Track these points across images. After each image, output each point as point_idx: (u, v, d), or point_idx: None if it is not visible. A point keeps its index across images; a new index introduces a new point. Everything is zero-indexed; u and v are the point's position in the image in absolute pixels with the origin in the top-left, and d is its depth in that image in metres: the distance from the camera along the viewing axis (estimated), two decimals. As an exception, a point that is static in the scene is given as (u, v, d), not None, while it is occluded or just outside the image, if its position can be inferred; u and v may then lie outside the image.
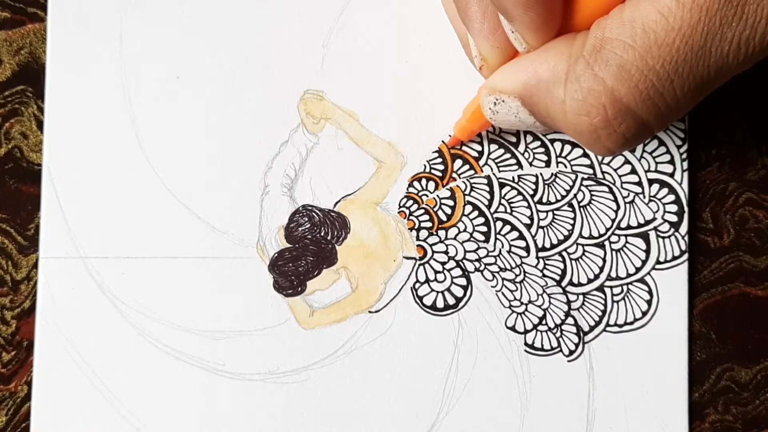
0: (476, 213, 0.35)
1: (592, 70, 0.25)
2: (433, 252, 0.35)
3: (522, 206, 0.35)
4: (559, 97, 0.26)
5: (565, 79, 0.26)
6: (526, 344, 0.35)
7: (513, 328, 0.35)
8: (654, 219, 0.35)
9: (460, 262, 0.35)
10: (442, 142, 0.35)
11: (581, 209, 0.35)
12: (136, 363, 0.34)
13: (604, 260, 0.35)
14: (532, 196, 0.35)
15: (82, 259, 0.34)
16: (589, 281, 0.35)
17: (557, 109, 0.27)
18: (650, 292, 0.35)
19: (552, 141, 0.35)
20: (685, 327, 0.34)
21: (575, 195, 0.35)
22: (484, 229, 0.35)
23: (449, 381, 0.34)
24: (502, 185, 0.35)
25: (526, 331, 0.35)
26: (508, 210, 0.35)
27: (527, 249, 0.35)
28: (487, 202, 0.35)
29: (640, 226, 0.35)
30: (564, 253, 0.35)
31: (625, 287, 0.35)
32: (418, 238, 0.35)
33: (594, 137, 0.27)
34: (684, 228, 0.35)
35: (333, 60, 0.35)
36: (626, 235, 0.35)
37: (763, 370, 0.35)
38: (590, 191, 0.35)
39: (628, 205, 0.35)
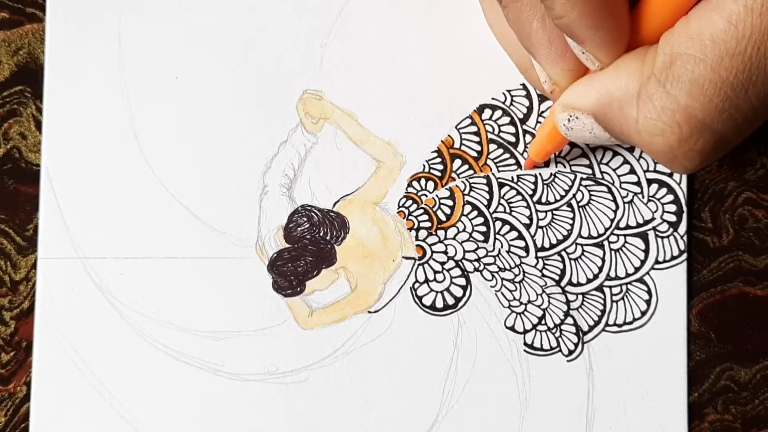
0: (475, 213, 0.35)
1: (664, 88, 0.25)
2: (433, 252, 0.35)
3: (521, 206, 0.35)
4: (632, 116, 0.26)
5: (638, 98, 0.26)
6: (525, 344, 0.35)
7: (512, 328, 0.35)
8: (653, 219, 0.35)
9: (460, 262, 0.35)
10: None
11: (580, 209, 0.35)
12: (135, 363, 0.34)
13: (603, 260, 0.35)
14: (531, 196, 0.35)
15: (81, 260, 0.34)
16: (589, 281, 0.35)
17: (631, 128, 0.26)
18: (649, 292, 0.35)
19: (551, 141, 0.35)
20: (684, 327, 0.34)
21: (574, 195, 0.35)
22: (483, 229, 0.35)
23: (448, 381, 0.34)
24: (501, 185, 0.35)
25: (525, 331, 0.35)
26: (508, 210, 0.35)
27: (526, 249, 0.35)
28: (486, 202, 0.35)
29: (639, 225, 0.35)
30: (563, 253, 0.35)
31: (624, 287, 0.35)
32: (417, 238, 0.35)
33: (670, 156, 0.26)
34: (683, 228, 0.35)
35: (332, 60, 0.35)
36: (625, 235, 0.35)
37: (763, 369, 0.35)
38: (589, 191, 0.35)
39: (627, 205, 0.35)
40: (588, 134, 0.29)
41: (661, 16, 0.26)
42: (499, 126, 0.35)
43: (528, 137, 0.35)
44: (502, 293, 0.35)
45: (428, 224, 0.35)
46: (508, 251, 0.35)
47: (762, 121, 0.26)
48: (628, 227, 0.35)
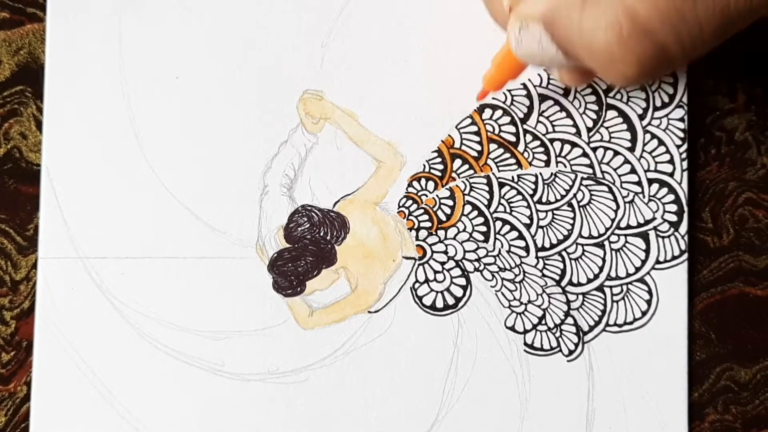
0: (476, 213, 0.35)
1: None
2: (433, 252, 0.35)
3: (521, 206, 0.35)
4: (576, 18, 0.26)
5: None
6: (525, 344, 0.34)
7: (512, 328, 0.35)
8: (654, 219, 0.35)
9: (460, 262, 0.35)
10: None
11: (581, 209, 0.35)
12: (135, 363, 0.34)
13: (603, 260, 0.35)
14: (532, 196, 0.35)
15: (81, 260, 0.34)
16: (589, 281, 0.35)
17: (574, 29, 0.26)
18: (650, 292, 0.35)
19: (552, 141, 0.35)
20: (684, 327, 0.34)
21: (575, 195, 0.35)
22: (483, 228, 0.35)
23: (449, 381, 0.34)
24: (501, 185, 0.35)
25: (525, 331, 0.35)
26: (508, 210, 0.35)
27: (527, 249, 0.35)
28: (486, 202, 0.35)
29: (639, 225, 0.35)
30: (563, 253, 0.35)
31: (624, 287, 0.35)
32: (417, 238, 0.35)
33: (608, 59, 0.26)
34: (684, 228, 0.34)
35: (332, 60, 0.35)
36: (626, 235, 0.35)
37: (763, 369, 0.35)
38: (590, 191, 0.35)
39: (627, 205, 0.35)
40: (536, 46, 0.28)
41: None
42: (499, 126, 0.35)
43: (528, 137, 0.35)
44: (503, 293, 0.35)
45: (428, 224, 0.35)
46: (509, 251, 0.35)
47: (706, 45, 0.25)
48: (628, 227, 0.35)
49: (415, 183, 0.35)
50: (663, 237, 0.35)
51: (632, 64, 0.26)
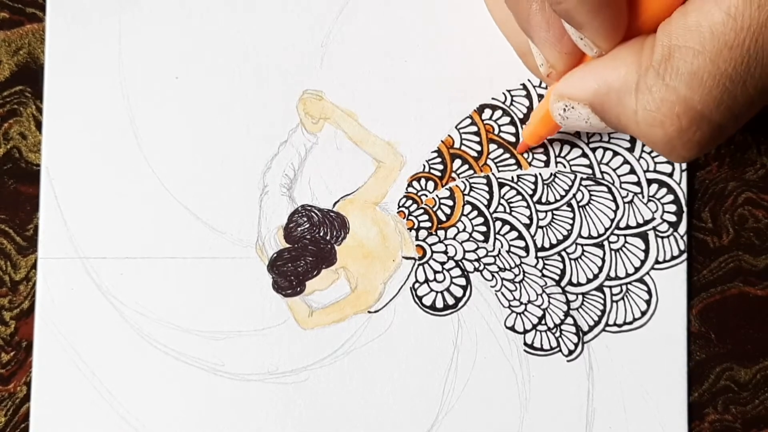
0: (475, 213, 0.35)
1: (663, 80, 0.25)
2: (433, 252, 0.35)
3: (521, 206, 0.35)
4: (630, 107, 0.26)
5: (636, 89, 0.26)
6: (525, 344, 0.35)
7: (512, 328, 0.35)
8: (653, 219, 0.35)
9: (460, 262, 0.35)
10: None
11: (580, 209, 0.35)
12: (135, 363, 0.34)
13: (603, 260, 0.35)
14: (532, 196, 0.35)
15: (81, 260, 0.34)
16: (589, 281, 0.35)
17: (629, 119, 0.26)
18: (649, 292, 0.35)
19: (551, 141, 0.35)
20: (684, 327, 0.34)
21: (574, 195, 0.35)
22: (483, 229, 0.35)
23: (449, 381, 0.34)
24: (501, 185, 0.35)
25: (525, 331, 0.35)
26: (508, 210, 0.35)
27: (526, 249, 0.35)
28: (486, 202, 0.35)
29: (639, 225, 0.35)
30: (563, 253, 0.35)
31: (624, 287, 0.35)
32: (417, 238, 0.35)
33: (669, 147, 0.26)
34: (683, 228, 0.35)
35: (332, 60, 0.35)
36: (625, 235, 0.35)
37: (763, 369, 0.35)
38: (589, 191, 0.35)
39: (627, 205, 0.35)
40: (584, 123, 0.29)
41: (659, 4, 0.26)
42: (499, 126, 0.35)
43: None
44: (502, 293, 0.35)
45: (428, 224, 0.35)
46: (508, 251, 0.35)
47: (757, 110, 0.26)
48: (628, 227, 0.35)
49: (414, 183, 0.35)
50: (662, 237, 0.35)
51: (692, 148, 0.26)
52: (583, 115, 0.28)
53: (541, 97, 0.35)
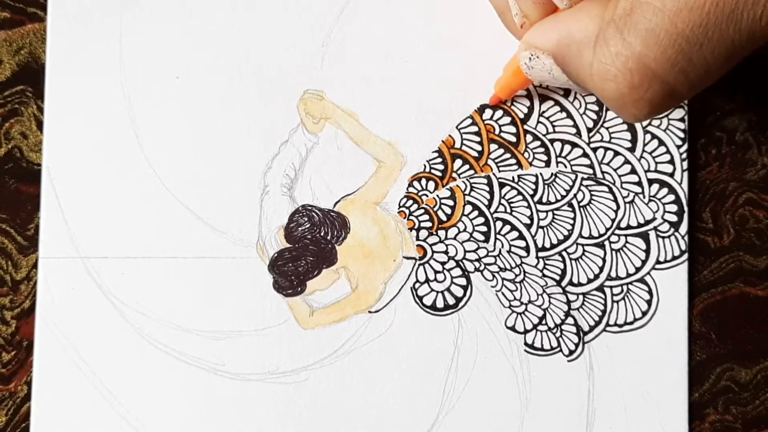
0: (476, 213, 0.35)
1: (621, 35, 0.25)
2: (433, 252, 0.35)
3: (522, 206, 0.35)
4: (587, 60, 0.26)
5: (595, 41, 0.26)
6: (526, 344, 0.34)
7: (513, 328, 0.35)
8: (654, 219, 0.35)
9: (460, 262, 0.35)
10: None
11: (581, 209, 0.35)
12: (135, 363, 0.34)
13: (604, 260, 0.35)
14: (532, 196, 0.35)
15: (82, 259, 0.34)
16: (589, 281, 0.35)
17: (585, 71, 0.27)
18: (650, 292, 0.35)
19: (552, 141, 0.35)
20: (685, 327, 0.34)
21: (575, 195, 0.35)
22: (484, 229, 0.35)
23: (449, 381, 0.34)
24: (501, 185, 0.35)
25: (526, 331, 0.35)
26: (508, 210, 0.35)
27: (527, 249, 0.35)
28: (487, 202, 0.35)
29: (639, 226, 0.35)
30: (564, 253, 0.35)
31: (624, 287, 0.35)
32: (417, 238, 0.35)
33: (620, 103, 0.26)
34: (684, 228, 0.35)
35: (333, 60, 0.35)
36: (626, 235, 0.35)
37: (763, 370, 0.35)
38: (590, 191, 0.35)
39: (627, 205, 0.35)
40: (547, 75, 0.29)
41: None
42: (499, 126, 0.35)
43: (529, 137, 0.35)
44: (503, 293, 0.35)
45: (429, 224, 0.35)
46: (509, 251, 0.35)
47: (714, 79, 0.26)
48: (629, 227, 0.35)
49: (415, 183, 0.35)
50: (663, 237, 0.35)
51: (643, 107, 0.26)
52: (547, 65, 0.28)
53: (541, 97, 0.35)
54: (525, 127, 0.35)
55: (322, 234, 0.35)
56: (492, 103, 0.34)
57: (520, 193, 0.35)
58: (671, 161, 0.35)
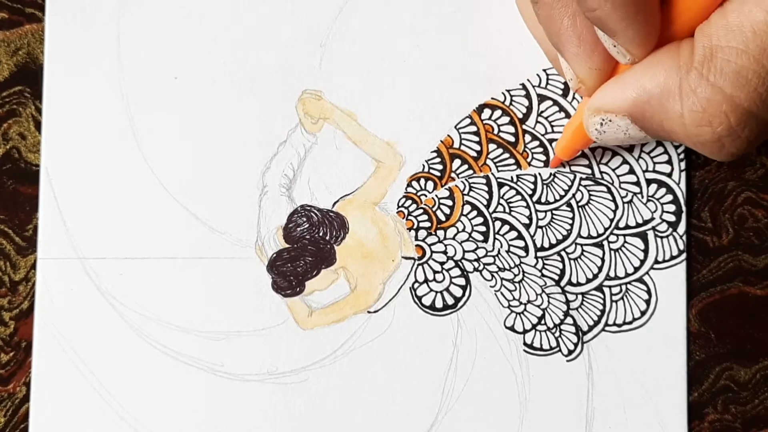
0: (475, 213, 0.35)
1: (707, 81, 0.25)
2: (432, 252, 0.35)
3: (521, 206, 0.35)
4: (675, 111, 0.26)
5: (680, 92, 0.26)
6: (525, 344, 0.34)
7: (512, 328, 0.35)
8: (652, 219, 0.35)
9: (459, 262, 0.35)
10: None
11: (580, 209, 0.35)
12: (134, 364, 0.34)
13: (602, 260, 0.35)
14: (531, 196, 0.35)
15: (80, 260, 0.34)
16: (588, 281, 0.35)
17: (675, 123, 0.27)
18: (649, 292, 0.35)
19: (551, 141, 0.35)
20: (683, 326, 0.34)
21: (574, 195, 0.35)
22: (482, 228, 0.35)
23: (448, 381, 0.34)
24: (500, 185, 0.35)
25: (525, 331, 0.35)
26: (507, 210, 0.35)
27: (526, 249, 0.35)
28: (485, 202, 0.35)
29: (638, 225, 0.35)
30: (563, 253, 0.35)
31: (623, 287, 0.35)
32: (416, 238, 0.35)
33: (718, 146, 0.27)
34: (682, 227, 0.35)
35: (331, 60, 0.35)
36: (625, 235, 0.35)
37: (762, 369, 0.35)
38: (589, 191, 0.35)
39: (626, 205, 0.35)
40: (622, 135, 0.29)
41: (695, 9, 0.26)
42: (498, 126, 0.35)
43: (527, 137, 0.35)
44: (502, 293, 0.35)
45: (428, 224, 0.35)
46: (508, 251, 0.35)
47: None
48: (627, 227, 0.35)
49: (414, 183, 0.35)
50: (662, 237, 0.35)
51: (741, 145, 0.27)
52: (622, 126, 0.28)
53: (539, 97, 0.35)
54: (524, 127, 0.35)
55: (320, 234, 0.35)
56: (553, 165, 0.34)
57: (518, 193, 0.35)
58: (669, 161, 0.35)
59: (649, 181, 0.35)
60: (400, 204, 0.35)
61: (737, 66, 0.25)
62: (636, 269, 0.35)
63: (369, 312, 0.35)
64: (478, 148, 0.35)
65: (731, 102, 0.25)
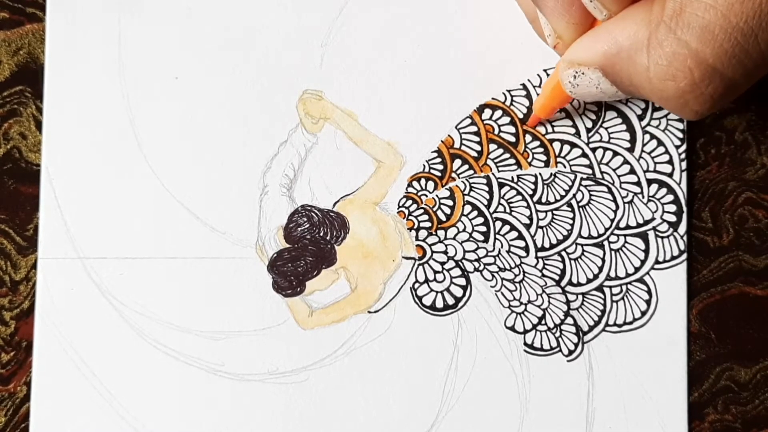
0: (475, 213, 0.35)
1: (674, 34, 0.25)
2: (433, 252, 0.35)
3: (521, 206, 0.35)
4: (642, 64, 0.26)
5: (648, 45, 0.26)
6: (525, 344, 0.35)
7: (512, 328, 0.35)
8: (653, 219, 0.35)
9: (460, 262, 0.35)
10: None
11: (580, 209, 0.35)
12: (134, 363, 0.34)
13: (603, 260, 0.35)
14: (532, 196, 0.35)
15: (81, 260, 0.34)
16: (589, 281, 0.35)
17: (641, 76, 0.27)
18: (649, 292, 0.35)
19: (551, 141, 0.35)
20: (684, 327, 0.34)
21: (574, 195, 0.35)
22: (483, 229, 0.35)
23: (449, 381, 0.34)
24: (501, 185, 0.35)
25: (525, 331, 0.35)
26: (508, 210, 0.35)
27: (526, 249, 0.35)
28: (486, 202, 0.35)
29: (639, 226, 0.35)
30: (563, 253, 0.35)
31: (624, 287, 0.35)
32: (417, 238, 0.35)
33: (681, 101, 0.27)
34: (683, 228, 0.35)
35: (332, 60, 0.35)
36: (625, 235, 0.35)
37: (763, 369, 0.35)
38: (589, 191, 0.35)
39: (627, 205, 0.35)
40: (594, 89, 0.29)
41: None
42: (499, 126, 0.35)
43: (528, 137, 0.35)
44: (502, 293, 0.35)
45: (428, 224, 0.35)
46: (508, 251, 0.35)
47: None
48: (628, 227, 0.35)
49: (414, 183, 0.35)
50: (662, 237, 0.35)
51: (705, 102, 0.26)
52: (594, 79, 0.28)
53: (541, 97, 0.35)
54: (524, 127, 0.35)
55: (321, 234, 0.35)
56: (531, 125, 0.34)
57: (519, 193, 0.35)
58: (670, 161, 0.35)
59: (649, 181, 0.35)
60: (400, 204, 0.35)
61: (704, 21, 0.25)
62: (636, 269, 0.35)
63: (369, 312, 0.35)
64: (478, 148, 0.35)
65: (696, 57, 0.25)
